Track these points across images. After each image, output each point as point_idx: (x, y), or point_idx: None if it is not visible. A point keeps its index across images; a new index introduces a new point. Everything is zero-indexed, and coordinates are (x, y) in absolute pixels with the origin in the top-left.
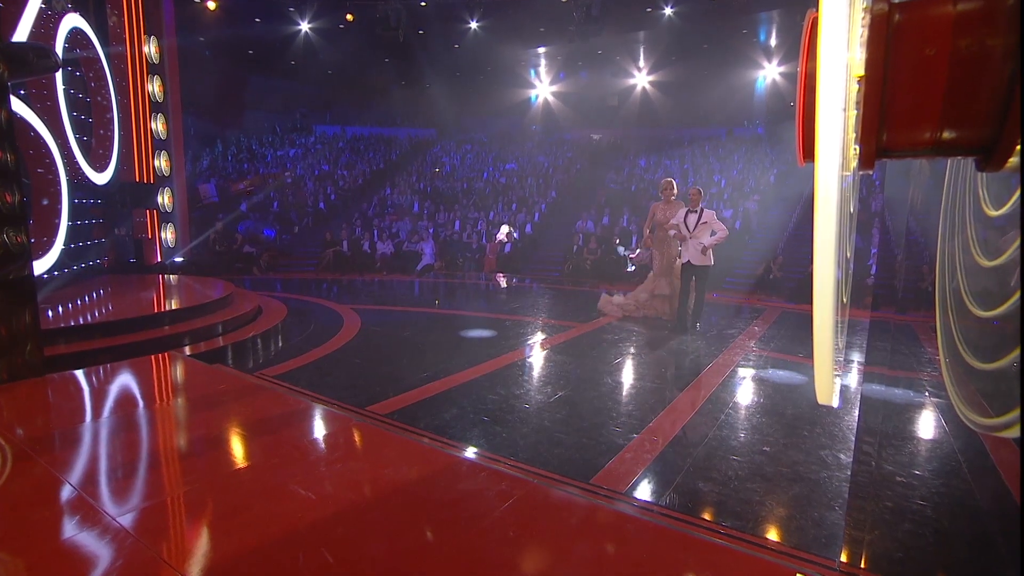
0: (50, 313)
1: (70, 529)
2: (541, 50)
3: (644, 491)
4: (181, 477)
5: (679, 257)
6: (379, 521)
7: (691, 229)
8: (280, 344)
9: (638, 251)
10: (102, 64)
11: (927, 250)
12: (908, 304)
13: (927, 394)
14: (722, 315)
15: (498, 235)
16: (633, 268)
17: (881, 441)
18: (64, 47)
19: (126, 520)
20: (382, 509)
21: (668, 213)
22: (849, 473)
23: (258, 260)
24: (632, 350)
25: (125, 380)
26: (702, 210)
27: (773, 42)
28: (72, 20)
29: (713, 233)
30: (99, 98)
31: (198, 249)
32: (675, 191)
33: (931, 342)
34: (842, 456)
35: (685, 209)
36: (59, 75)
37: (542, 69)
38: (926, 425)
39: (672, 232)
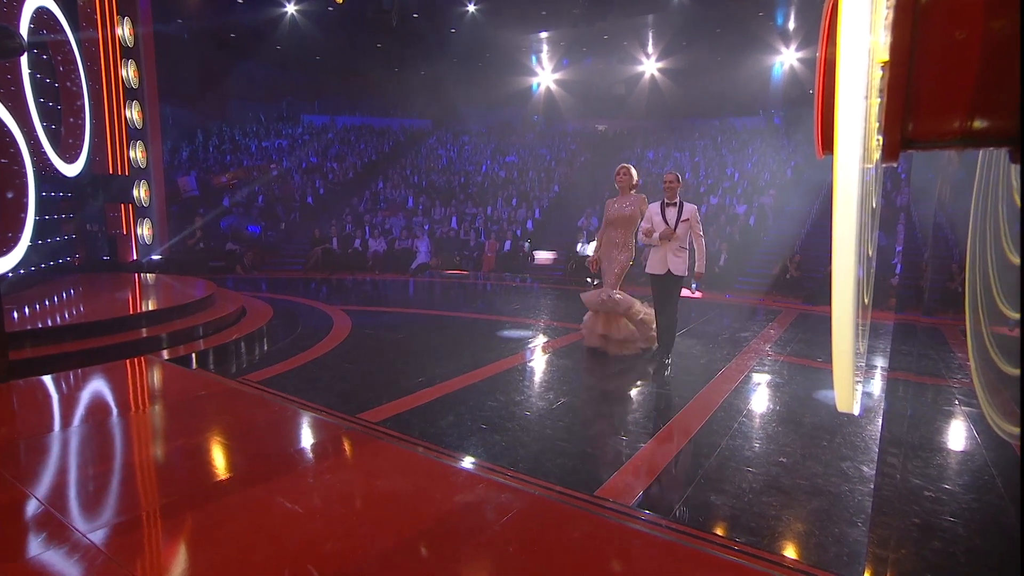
0: (16, 314)
1: (36, 547)
2: (543, 35)
3: (652, 504)
4: (157, 490)
5: (647, 265)
6: (370, 536)
7: (674, 227)
8: (265, 347)
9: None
10: (71, 47)
11: (956, 247)
12: (936, 306)
13: (957, 402)
14: (735, 317)
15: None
16: (597, 283)
17: (907, 452)
18: (29, 27)
19: (97, 536)
20: (373, 523)
21: (626, 210)
22: (872, 487)
23: (242, 258)
24: (639, 354)
25: (97, 386)
26: (681, 204)
27: (791, 25)
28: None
29: (683, 250)
30: (68, 83)
31: (177, 246)
32: (633, 179)
33: (961, 346)
34: (864, 468)
35: (658, 203)
36: (24, 58)
37: (544, 55)
38: (956, 436)
39: (649, 237)
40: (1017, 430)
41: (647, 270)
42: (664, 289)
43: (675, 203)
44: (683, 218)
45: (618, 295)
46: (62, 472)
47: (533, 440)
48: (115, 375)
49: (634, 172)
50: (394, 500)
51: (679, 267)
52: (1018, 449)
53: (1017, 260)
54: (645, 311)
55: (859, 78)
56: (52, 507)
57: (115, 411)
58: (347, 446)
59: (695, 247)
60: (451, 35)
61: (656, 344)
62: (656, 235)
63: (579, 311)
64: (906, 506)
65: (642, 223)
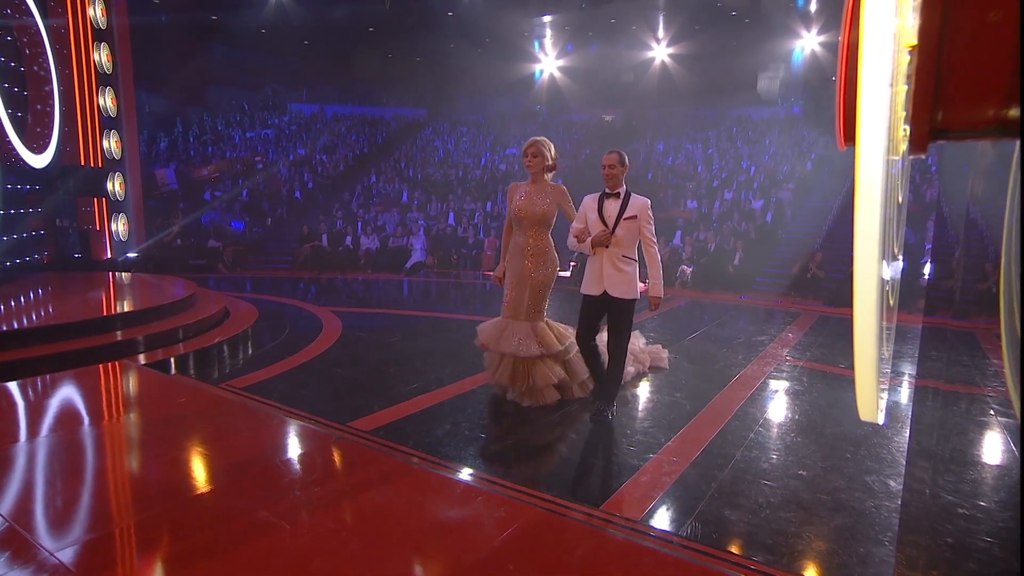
0: None
1: None
2: (547, 19)
3: (662, 519)
4: (132, 505)
5: (571, 277)
6: (361, 552)
7: (611, 228)
8: (250, 351)
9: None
10: (39, 28)
11: (991, 246)
12: (968, 308)
13: (992, 412)
14: (751, 320)
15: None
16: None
17: (937, 466)
18: None
19: (66, 555)
20: (365, 538)
21: (539, 206)
22: (900, 503)
23: (224, 256)
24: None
25: (68, 393)
26: (627, 196)
27: (813, 7)
28: None
29: (630, 261)
30: (36, 68)
31: (155, 244)
32: (548, 158)
33: (995, 352)
34: (891, 483)
35: (596, 195)
36: None
37: (548, 41)
38: (991, 448)
39: (582, 241)
40: None
41: (581, 289)
42: (599, 312)
43: (617, 194)
44: (628, 215)
45: (536, 346)
46: (28, 486)
47: (535, 451)
48: (87, 381)
49: (549, 149)
50: (386, 514)
51: (621, 286)
52: None
53: None
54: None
55: (884, 63)
56: (17, 524)
57: (87, 420)
58: (337, 457)
59: (646, 259)
60: (448, 18)
61: (590, 392)
62: (589, 241)
63: None
64: (937, 524)
65: (574, 222)
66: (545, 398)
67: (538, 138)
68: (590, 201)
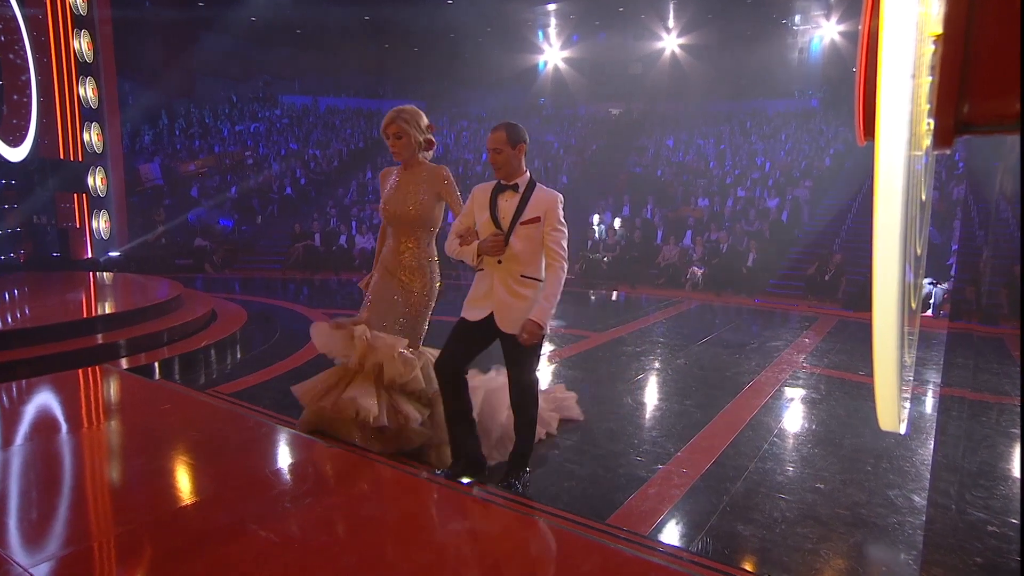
0: None
1: None
2: (551, 7)
3: (671, 534)
4: (113, 517)
5: (465, 304)
6: (356, 567)
7: (506, 234)
8: (238, 356)
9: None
10: (14, 13)
11: (1022, 247)
12: (997, 312)
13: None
14: (765, 324)
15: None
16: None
17: (964, 480)
18: None
19: (41, 571)
20: (359, 552)
21: (407, 194)
22: (924, 519)
23: (212, 255)
24: (657, 365)
25: (45, 399)
26: (530, 188)
27: None
28: None
29: (531, 283)
30: (11, 55)
31: (139, 244)
32: (418, 134)
33: None
34: (915, 497)
35: (491, 184)
36: None
37: (552, 30)
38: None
39: (465, 244)
40: None
41: (462, 313)
42: (477, 350)
43: (515, 187)
44: (528, 217)
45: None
46: (1, 498)
47: (538, 461)
48: (66, 386)
49: (417, 121)
50: (382, 527)
51: (515, 316)
52: None
53: None
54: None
55: (906, 53)
56: None
57: (65, 427)
58: (329, 466)
59: (546, 276)
60: (447, 7)
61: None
62: (475, 246)
63: (590, 316)
64: (965, 542)
65: (458, 218)
66: (401, 445)
67: (401, 109)
68: (480, 194)
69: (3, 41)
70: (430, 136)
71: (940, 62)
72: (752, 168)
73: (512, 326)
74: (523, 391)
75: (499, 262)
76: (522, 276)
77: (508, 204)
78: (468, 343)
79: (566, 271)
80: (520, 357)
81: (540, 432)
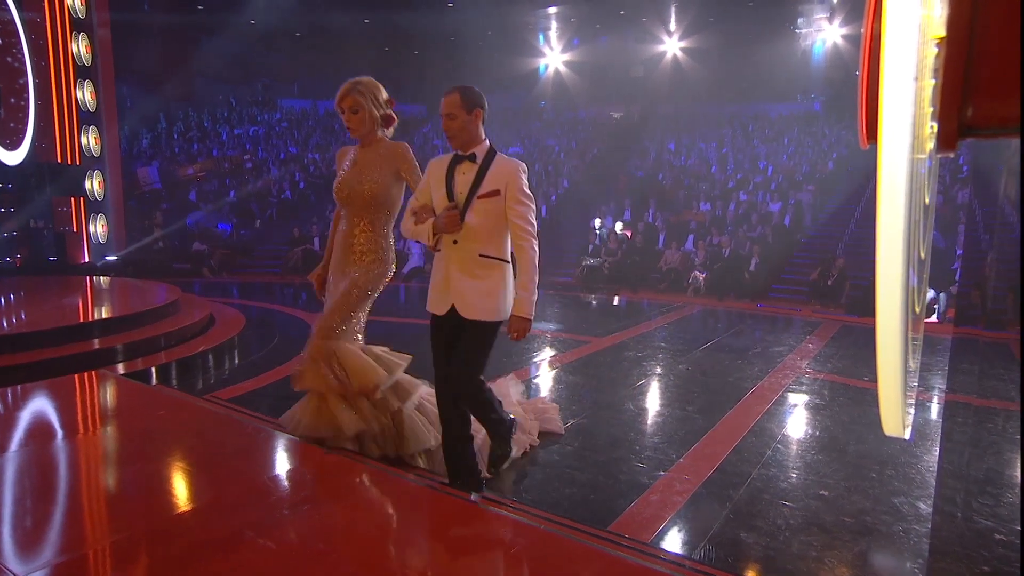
0: None
1: None
2: (552, 10)
3: (673, 541)
4: (108, 524)
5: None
6: (355, 575)
7: (462, 209)
8: (236, 361)
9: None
10: (12, 17)
11: (1022, 250)
12: (1003, 317)
13: None
14: (767, 329)
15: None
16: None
17: (970, 488)
18: None
19: None
20: (359, 560)
21: (364, 172)
22: (930, 527)
23: (210, 260)
24: (659, 371)
25: (40, 405)
26: (489, 158)
27: None
28: None
29: (492, 263)
30: (9, 59)
31: (136, 246)
32: (376, 108)
33: None
34: (921, 505)
35: (448, 156)
36: None
37: (553, 33)
38: None
39: (420, 222)
40: None
41: (428, 306)
42: (450, 335)
43: (472, 156)
44: (487, 190)
45: (355, 354)
46: None
47: (539, 467)
48: (61, 392)
49: (375, 94)
50: (382, 534)
51: (476, 301)
52: None
53: None
54: (423, 394)
55: (909, 56)
56: None
57: (60, 433)
58: (328, 473)
59: (516, 256)
60: (448, 10)
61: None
62: (430, 224)
63: (591, 321)
64: (972, 551)
65: (413, 196)
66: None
67: (357, 80)
68: (436, 168)
69: (1, 44)
70: (389, 111)
71: (943, 65)
72: (754, 172)
73: (472, 311)
74: (470, 388)
75: (454, 242)
76: (481, 255)
77: (465, 177)
78: (447, 346)
79: (537, 249)
80: (470, 350)
81: (524, 441)
